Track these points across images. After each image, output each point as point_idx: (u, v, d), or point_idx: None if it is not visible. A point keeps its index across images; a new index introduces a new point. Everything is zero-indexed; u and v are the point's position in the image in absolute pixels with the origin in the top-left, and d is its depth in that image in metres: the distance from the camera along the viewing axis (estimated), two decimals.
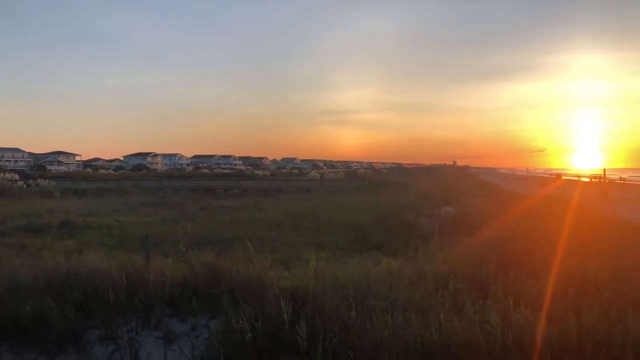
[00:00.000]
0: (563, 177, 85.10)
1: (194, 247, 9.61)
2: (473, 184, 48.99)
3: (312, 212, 24.37)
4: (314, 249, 11.58)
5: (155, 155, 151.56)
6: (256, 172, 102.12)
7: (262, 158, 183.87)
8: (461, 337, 5.23)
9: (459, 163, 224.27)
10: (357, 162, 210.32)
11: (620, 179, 75.04)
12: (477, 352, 5.07)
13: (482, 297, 6.56)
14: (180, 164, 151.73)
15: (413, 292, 6.61)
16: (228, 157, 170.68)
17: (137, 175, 78.89)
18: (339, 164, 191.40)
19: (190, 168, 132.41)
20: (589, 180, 75.19)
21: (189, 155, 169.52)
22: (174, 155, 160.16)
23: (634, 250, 8.94)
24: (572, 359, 4.93)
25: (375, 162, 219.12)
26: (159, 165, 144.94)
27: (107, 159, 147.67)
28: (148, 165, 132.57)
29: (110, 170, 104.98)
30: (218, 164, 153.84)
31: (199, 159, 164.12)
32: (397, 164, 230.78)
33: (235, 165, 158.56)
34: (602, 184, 53.11)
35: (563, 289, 6.64)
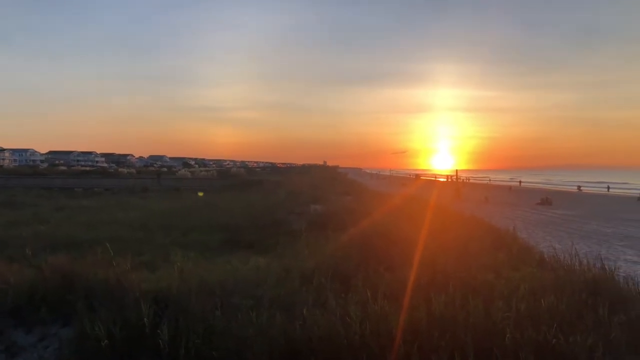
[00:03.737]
0: (422, 177, 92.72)
1: (47, 250, 8.85)
2: (341, 183, 50.98)
3: (182, 211, 23.52)
4: (182, 249, 11.20)
5: (2, 150, 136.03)
6: (120, 170, 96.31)
7: (128, 155, 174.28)
8: (323, 329, 5.43)
9: (329, 163, 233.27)
10: (230, 161, 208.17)
11: (466, 179, 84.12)
12: (337, 344, 5.30)
13: (344, 290, 6.88)
14: (33, 160, 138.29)
15: (279, 289, 6.74)
16: (89, 153, 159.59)
17: None
18: (211, 162, 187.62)
19: (45, 165, 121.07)
20: (445, 180, 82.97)
21: (44, 151, 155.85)
22: (25, 150, 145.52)
23: (476, 242, 10.00)
24: (421, 344, 5.35)
25: (248, 161, 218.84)
26: (7, 161, 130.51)
27: None
28: None
29: None
30: (77, 160, 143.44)
31: (55, 155, 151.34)
32: (270, 163, 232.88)
33: (97, 162, 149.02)
34: (454, 184, 58.62)
35: (416, 279, 7.22)
